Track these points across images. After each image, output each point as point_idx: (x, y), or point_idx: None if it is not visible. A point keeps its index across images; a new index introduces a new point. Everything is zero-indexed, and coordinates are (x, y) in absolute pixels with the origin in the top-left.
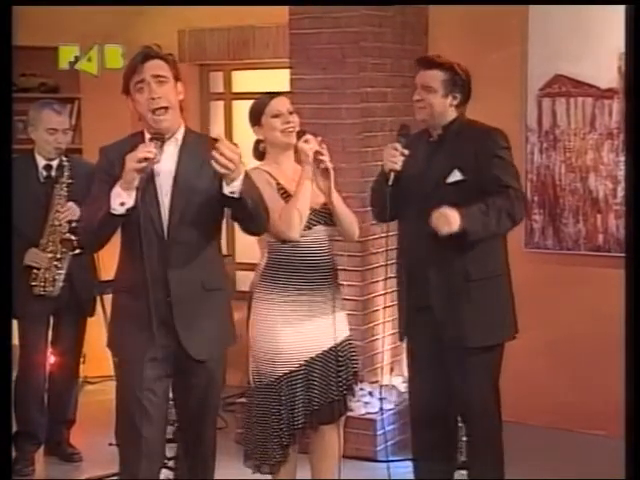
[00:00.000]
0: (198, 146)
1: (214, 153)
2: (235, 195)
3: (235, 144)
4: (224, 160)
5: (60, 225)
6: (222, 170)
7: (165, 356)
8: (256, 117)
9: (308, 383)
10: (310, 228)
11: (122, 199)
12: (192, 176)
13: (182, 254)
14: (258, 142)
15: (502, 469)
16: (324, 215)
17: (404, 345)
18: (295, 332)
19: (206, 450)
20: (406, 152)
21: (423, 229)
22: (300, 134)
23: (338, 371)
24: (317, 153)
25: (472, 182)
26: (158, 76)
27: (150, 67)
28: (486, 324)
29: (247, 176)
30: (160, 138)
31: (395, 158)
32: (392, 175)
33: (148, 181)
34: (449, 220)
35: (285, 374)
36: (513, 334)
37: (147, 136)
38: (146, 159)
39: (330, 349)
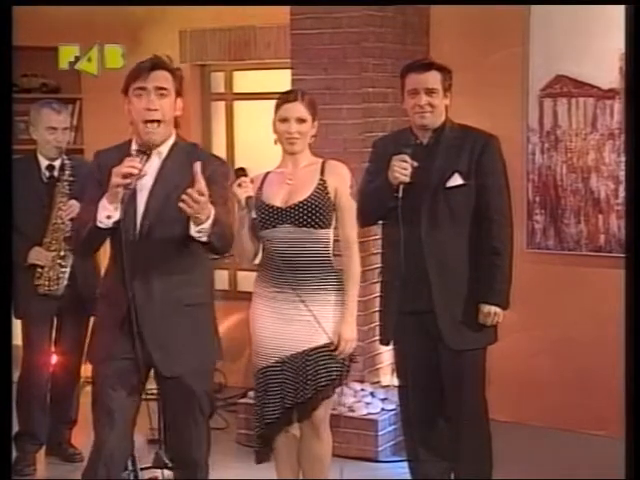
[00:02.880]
0: (182, 159)
1: (183, 197)
2: (202, 238)
3: (202, 193)
4: (190, 202)
5: (63, 223)
6: (188, 210)
7: (135, 364)
8: (274, 113)
9: (281, 381)
10: (275, 227)
11: (108, 212)
12: (170, 190)
13: (153, 268)
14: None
15: (490, 469)
16: (292, 215)
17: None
18: (274, 329)
19: (191, 458)
20: (415, 164)
21: (420, 233)
22: (239, 172)
23: (308, 375)
24: (250, 199)
25: (471, 187)
26: (160, 88)
27: (155, 77)
28: (479, 325)
29: (219, 214)
30: (146, 152)
31: (406, 171)
32: (401, 187)
33: (133, 192)
34: (498, 315)
35: (263, 368)
36: (495, 340)
37: (133, 146)
38: (131, 174)
39: (304, 352)
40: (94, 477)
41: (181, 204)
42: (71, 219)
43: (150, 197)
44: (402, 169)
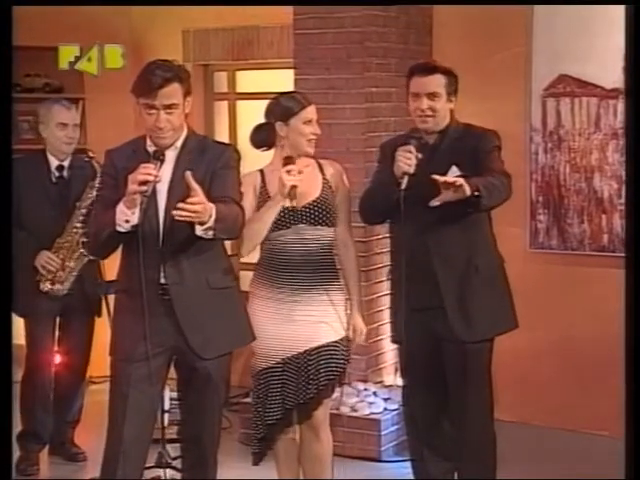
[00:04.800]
0: (196, 150)
1: (176, 211)
2: (209, 235)
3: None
4: (185, 213)
5: (83, 228)
6: (188, 220)
7: (161, 355)
8: (285, 115)
9: (283, 381)
10: (290, 227)
11: (127, 217)
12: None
13: (179, 254)
14: (266, 127)
15: (494, 470)
16: (307, 214)
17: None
18: (275, 329)
19: (205, 449)
20: (420, 155)
21: (424, 229)
22: (287, 160)
23: (310, 375)
24: (294, 188)
25: (469, 177)
26: (169, 106)
27: (164, 94)
28: (490, 316)
29: (222, 208)
30: (161, 157)
31: (410, 161)
32: (406, 178)
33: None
34: (464, 189)
35: (263, 369)
36: (515, 325)
37: (148, 142)
38: (147, 181)
39: (306, 352)
40: (114, 475)
41: (177, 217)
42: (83, 220)
43: (170, 190)
44: (406, 159)
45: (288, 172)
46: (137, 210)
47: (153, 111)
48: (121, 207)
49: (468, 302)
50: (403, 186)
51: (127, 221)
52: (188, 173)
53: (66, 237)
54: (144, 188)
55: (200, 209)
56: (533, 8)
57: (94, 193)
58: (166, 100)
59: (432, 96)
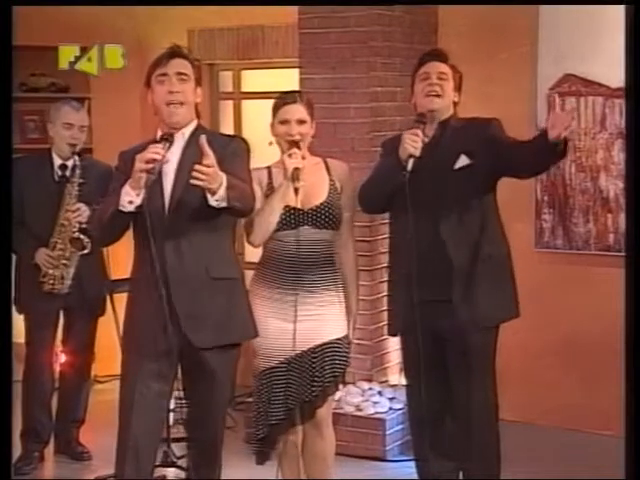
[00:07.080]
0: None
1: (193, 173)
2: (222, 204)
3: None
4: (199, 175)
5: (70, 225)
6: (198, 183)
7: (170, 353)
8: (272, 115)
9: (286, 381)
10: (295, 228)
11: (130, 197)
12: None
13: (182, 244)
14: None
15: (499, 469)
16: (312, 217)
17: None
18: (277, 329)
19: (210, 448)
20: (426, 139)
21: (434, 221)
22: (292, 144)
23: (315, 372)
24: (297, 170)
25: (480, 166)
26: (181, 73)
27: (175, 64)
28: (495, 304)
29: (231, 179)
30: (169, 139)
31: (417, 143)
32: (411, 161)
33: (156, 177)
34: (565, 121)
35: (266, 369)
36: (517, 315)
37: (159, 133)
38: (154, 160)
39: (309, 350)
40: (124, 468)
41: (192, 180)
42: (86, 222)
43: (176, 179)
44: (412, 142)
45: (290, 156)
46: (142, 192)
47: (165, 79)
48: (126, 188)
49: (475, 289)
50: (409, 168)
51: (131, 202)
52: (203, 137)
53: (56, 236)
54: (150, 166)
55: (212, 172)
56: (538, 8)
57: (75, 188)
58: (177, 68)
59: (442, 75)
